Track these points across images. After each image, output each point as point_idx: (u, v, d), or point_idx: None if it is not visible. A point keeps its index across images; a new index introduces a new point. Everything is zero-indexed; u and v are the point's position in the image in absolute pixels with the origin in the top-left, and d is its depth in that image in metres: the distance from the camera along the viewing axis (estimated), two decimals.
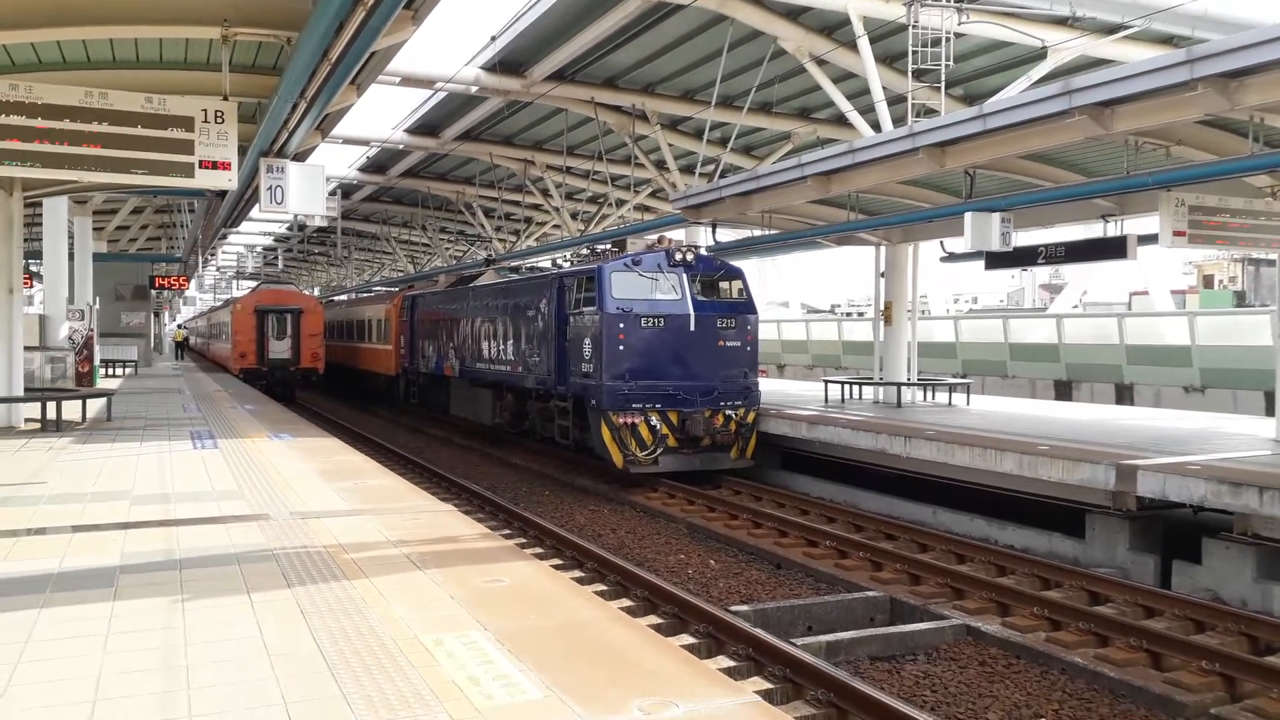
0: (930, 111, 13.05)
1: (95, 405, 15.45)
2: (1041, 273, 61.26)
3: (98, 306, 22.43)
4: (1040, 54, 12.89)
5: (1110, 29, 12.53)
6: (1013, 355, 24.69)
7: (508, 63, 16.23)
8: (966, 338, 26.47)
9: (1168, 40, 12.88)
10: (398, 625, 4.67)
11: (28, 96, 8.32)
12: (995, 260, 14.20)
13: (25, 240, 13.53)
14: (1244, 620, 7.29)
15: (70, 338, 19.15)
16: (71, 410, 14.15)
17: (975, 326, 27.34)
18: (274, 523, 7.09)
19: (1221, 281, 52.32)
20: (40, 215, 19.99)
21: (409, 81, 16.77)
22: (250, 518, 7.26)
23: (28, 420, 13.49)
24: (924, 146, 11.12)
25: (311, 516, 7.35)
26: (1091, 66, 12.67)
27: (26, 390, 13.84)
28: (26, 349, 14.05)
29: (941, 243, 16.16)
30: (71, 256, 21.90)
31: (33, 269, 24.63)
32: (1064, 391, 22.88)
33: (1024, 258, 14.06)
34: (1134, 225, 13.34)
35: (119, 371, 27.20)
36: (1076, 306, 33.01)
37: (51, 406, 13.30)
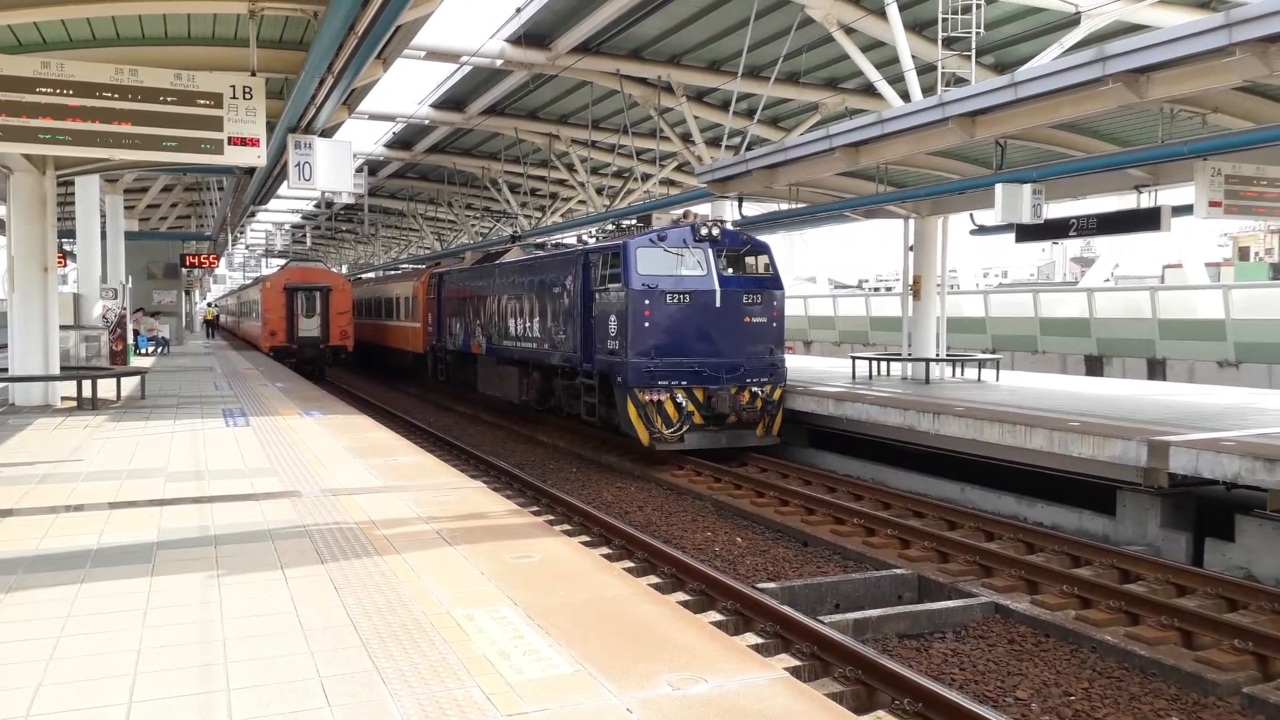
0: (960, 81, 12.83)
1: (129, 383, 15.69)
2: (1073, 246, 60.41)
3: (130, 285, 22.72)
4: (1073, 20, 12.61)
5: None
6: (1043, 330, 24.42)
7: (532, 35, 16.15)
8: (996, 312, 26.20)
9: (1204, 4, 12.55)
10: (429, 600, 4.73)
11: (59, 74, 8.42)
12: (1026, 233, 14.00)
13: (58, 219, 13.69)
14: (1277, 598, 7.21)
15: (103, 316, 19.42)
16: (106, 388, 14.37)
17: (1005, 301, 27.05)
18: (306, 499, 7.18)
19: (1258, 253, 51.32)
20: (72, 194, 20.23)
21: (434, 55, 16.75)
22: (283, 494, 7.36)
23: (64, 398, 13.72)
24: (954, 116, 10.95)
25: (343, 493, 7.43)
26: (1126, 33, 12.39)
27: (62, 368, 14.07)
28: (61, 328, 14.26)
29: (971, 215, 15.96)
30: (104, 235, 22.17)
31: (66, 248, 24.96)
32: (1095, 367, 22.61)
33: (1055, 230, 13.85)
34: (1168, 196, 13.11)
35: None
36: (1108, 280, 32.55)
37: (87, 385, 13.51)
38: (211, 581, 5.05)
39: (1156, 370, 21.19)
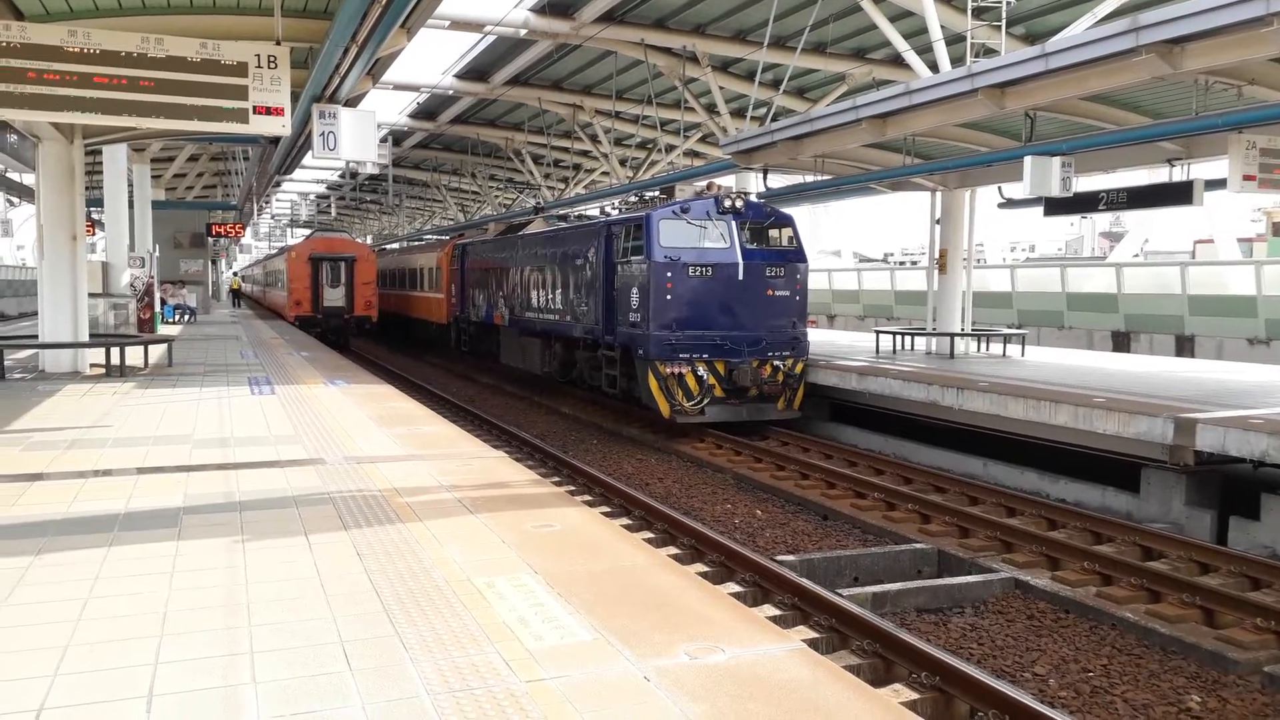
0: (989, 51, 12.61)
1: (157, 351, 15.87)
2: (1101, 220, 59.48)
3: (157, 254, 22.92)
4: None
5: None
6: (1070, 305, 24.15)
7: (557, 4, 16.01)
8: (1023, 287, 25.92)
9: None
10: (450, 567, 4.78)
11: (86, 43, 8.44)
12: (1055, 206, 13.81)
13: (86, 188, 13.81)
14: None
15: (132, 284, 19.63)
16: (134, 356, 14.55)
17: (1032, 276, 26.75)
18: (330, 467, 7.26)
19: None
20: (100, 163, 20.39)
21: (458, 25, 16.63)
22: (307, 462, 7.44)
23: (93, 365, 13.92)
24: (983, 88, 10.78)
25: (366, 461, 7.51)
26: (1159, 2, 12.11)
27: (91, 336, 14.26)
28: (90, 295, 14.43)
29: (999, 188, 15.76)
30: (131, 204, 22.35)
31: (94, 216, 25.20)
32: (1122, 343, 22.36)
33: (1084, 204, 13.66)
34: (1201, 170, 12.86)
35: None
36: (1137, 255, 32.08)
37: (115, 352, 13.69)
38: (236, 546, 5.13)
39: (1185, 347, 20.92)
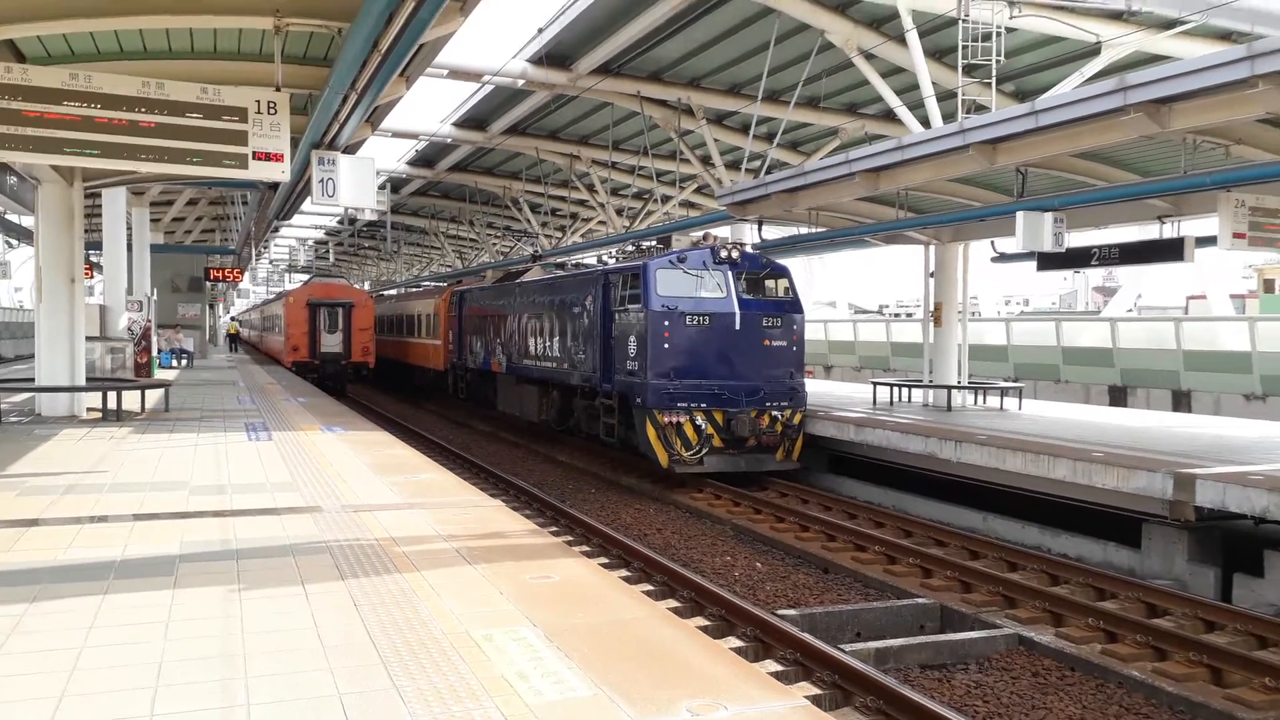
0: (980, 108, 12.83)
1: (154, 396, 15.81)
2: (1095, 275, 60.06)
3: (155, 298, 22.96)
4: (1094, 50, 12.60)
5: (1167, 24, 12.21)
6: (1066, 359, 24.22)
7: (554, 55, 16.28)
8: (1018, 340, 26.03)
9: (1226, 36, 12.51)
10: (448, 619, 4.71)
11: (87, 86, 8.53)
12: (1047, 261, 13.92)
13: (85, 231, 13.86)
14: None
15: (129, 328, 19.61)
16: (131, 400, 14.49)
17: (1027, 329, 26.87)
18: (327, 515, 7.20)
19: None
20: (99, 206, 20.50)
21: (456, 74, 16.89)
22: (304, 509, 7.37)
23: (89, 409, 13.85)
24: (975, 143, 10.94)
25: (363, 509, 7.44)
26: (1147, 63, 12.36)
27: (88, 380, 14.21)
28: (87, 339, 14.41)
29: (993, 243, 15.89)
30: (130, 248, 22.43)
31: (92, 259, 25.27)
32: (1119, 397, 22.39)
33: (1077, 259, 13.77)
34: (1191, 227, 13.01)
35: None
36: (1131, 310, 32.32)
37: (112, 396, 13.63)
38: (233, 595, 5.06)
39: (1181, 402, 20.96)
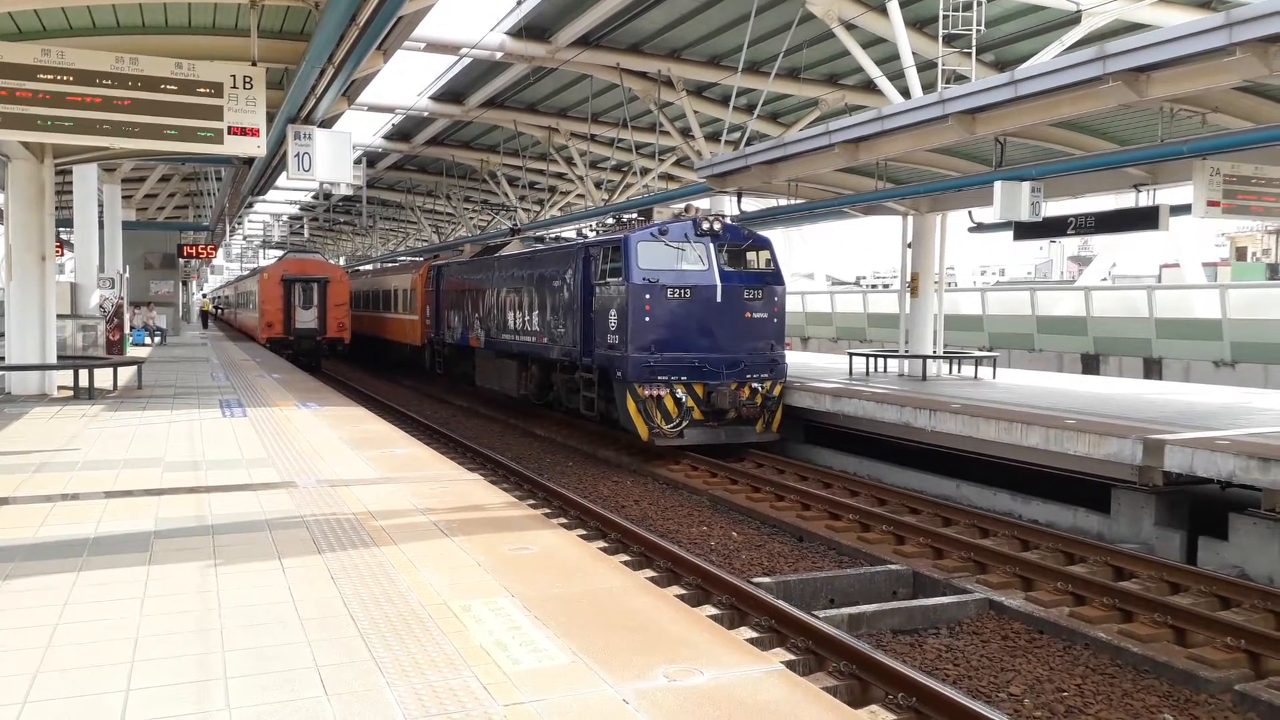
0: (960, 78, 12.83)
1: (126, 373, 15.67)
2: (1070, 245, 60.47)
3: (127, 275, 22.68)
4: (1074, 18, 12.59)
5: None
6: (1040, 328, 24.47)
7: (533, 28, 16.11)
8: (993, 310, 26.25)
9: (1205, 4, 12.55)
10: (426, 591, 4.74)
11: (59, 61, 8.38)
12: (1024, 231, 14.03)
13: (56, 208, 13.66)
14: (1270, 597, 7.24)
15: (101, 306, 19.39)
16: (103, 378, 14.35)
17: (1002, 299, 27.08)
18: (303, 490, 7.19)
19: (1255, 254, 51.45)
20: (70, 183, 20.19)
21: (434, 47, 16.69)
22: (280, 485, 7.36)
23: (60, 388, 13.71)
24: (954, 113, 10.95)
25: (340, 484, 7.44)
26: (1126, 31, 12.37)
27: (59, 358, 14.05)
28: (59, 317, 14.23)
29: (970, 213, 15.98)
30: (101, 225, 22.10)
31: (63, 237, 24.92)
32: (1091, 365, 22.66)
33: (1053, 228, 13.87)
34: (1166, 195, 13.13)
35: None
36: (1105, 279, 32.61)
37: (84, 374, 13.50)
38: (209, 571, 5.06)
39: (1153, 369, 21.24)
